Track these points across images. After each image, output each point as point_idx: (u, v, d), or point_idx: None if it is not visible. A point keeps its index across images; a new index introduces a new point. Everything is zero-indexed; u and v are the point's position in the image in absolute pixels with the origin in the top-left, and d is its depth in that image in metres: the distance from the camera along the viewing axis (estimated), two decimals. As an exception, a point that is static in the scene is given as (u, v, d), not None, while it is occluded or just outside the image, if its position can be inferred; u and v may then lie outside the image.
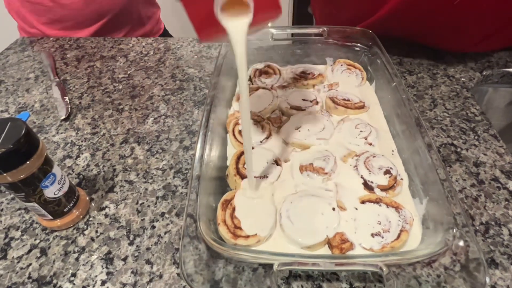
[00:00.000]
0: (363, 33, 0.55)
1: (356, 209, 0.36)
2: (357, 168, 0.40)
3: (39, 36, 0.77)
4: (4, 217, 0.40)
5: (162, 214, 0.40)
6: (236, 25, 0.28)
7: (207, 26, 0.29)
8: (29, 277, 0.35)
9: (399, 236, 0.33)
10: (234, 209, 0.36)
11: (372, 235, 0.34)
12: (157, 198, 0.42)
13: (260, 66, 0.55)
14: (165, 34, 0.95)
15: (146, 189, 0.43)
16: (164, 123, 0.52)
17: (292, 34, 0.65)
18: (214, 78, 0.47)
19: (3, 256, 0.37)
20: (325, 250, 0.34)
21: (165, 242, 0.37)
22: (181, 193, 0.42)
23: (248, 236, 0.34)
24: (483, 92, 0.61)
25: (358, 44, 0.55)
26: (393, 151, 0.43)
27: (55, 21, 0.76)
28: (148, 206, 0.41)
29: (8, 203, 0.42)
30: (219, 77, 0.48)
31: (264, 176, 0.39)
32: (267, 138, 0.44)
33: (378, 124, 0.46)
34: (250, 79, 0.54)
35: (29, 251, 0.37)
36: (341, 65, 0.55)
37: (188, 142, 0.48)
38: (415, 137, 0.39)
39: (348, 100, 0.49)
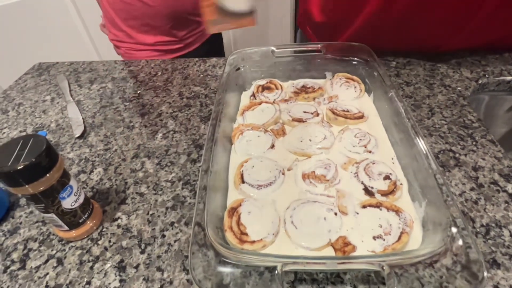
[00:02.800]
0: (360, 48, 0.57)
1: (357, 213, 0.37)
2: (357, 175, 0.42)
3: (126, 39, 0.86)
4: (23, 230, 0.43)
5: (172, 224, 0.42)
6: None
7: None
8: (46, 286, 0.37)
9: (399, 238, 0.34)
10: (239, 216, 0.38)
11: (374, 237, 0.35)
12: (167, 208, 0.43)
13: (262, 82, 0.58)
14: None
15: (156, 200, 0.45)
16: (172, 138, 0.54)
17: (294, 51, 0.68)
18: (218, 94, 0.50)
19: (22, 266, 0.39)
20: (328, 254, 0.35)
21: (175, 250, 0.39)
22: (189, 203, 0.44)
23: (254, 241, 0.35)
24: (480, 101, 0.62)
25: (355, 58, 0.57)
26: (392, 158, 0.44)
27: (136, 18, 0.82)
28: (158, 216, 0.43)
29: (26, 217, 0.44)
30: (223, 93, 0.50)
31: (268, 184, 0.41)
32: (271, 147, 0.46)
33: (377, 133, 0.48)
34: (253, 95, 0.57)
35: (46, 261, 0.39)
36: (340, 79, 0.57)
37: (195, 155, 0.51)
38: (413, 144, 0.41)
39: (348, 111, 0.51)
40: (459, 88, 0.59)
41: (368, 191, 0.40)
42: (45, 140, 0.34)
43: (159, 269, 0.37)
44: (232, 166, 0.45)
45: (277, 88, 0.57)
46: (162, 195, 0.45)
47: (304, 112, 0.52)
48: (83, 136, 0.57)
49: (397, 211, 0.37)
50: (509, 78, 0.60)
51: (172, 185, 0.46)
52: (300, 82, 0.58)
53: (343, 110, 0.51)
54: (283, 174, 0.43)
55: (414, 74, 0.63)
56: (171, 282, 0.36)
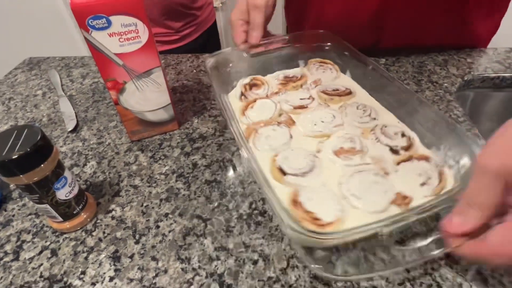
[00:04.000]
0: (325, 34, 0.60)
1: (397, 171, 0.40)
2: (379, 140, 0.44)
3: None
4: (16, 222, 0.43)
5: (166, 215, 0.42)
6: None
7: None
8: (40, 276, 0.37)
9: (440, 177, 0.38)
10: (303, 205, 0.37)
11: (421, 185, 0.38)
12: (161, 200, 0.44)
13: (247, 80, 0.58)
14: (215, 23, 1.03)
15: (150, 193, 0.45)
16: (166, 132, 0.55)
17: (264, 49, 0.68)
18: (221, 98, 0.49)
19: (15, 258, 0.39)
20: (394, 211, 0.36)
21: (169, 240, 0.39)
22: (183, 195, 0.44)
23: (331, 223, 0.35)
24: (466, 97, 0.65)
25: (323, 44, 0.60)
26: (397, 120, 0.48)
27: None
28: (153, 207, 0.43)
29: (19, 209, 0.44)
30: (222, 97, 0.50)
31: (311, 169, 0.41)
32: (290, 138, 0.46)
33: (370, 103, 0.51)
34: (242, 94, 0.56)
35: (40, 252, 0.39)
36: (314, 64, 0.59)
37: (189, 149, 0.51)
38: (408, 99, 0.46)
39: (337, 90, 0.53)
40: (445, 84, 0.60)
41: (393, 151, 0.43)
42: (39, 130, 0.34)
43: (153, 258, 0.37)
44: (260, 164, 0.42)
45: (263, 84, 0.58)
46: (156, 187, 0.46)
47: (301, 99, 0.53)
48: (75, 130, 0.57)
49: (426, 159, 0.40)
50: (493, 75, 0.62)
51: (166, 178, 0.47)
52: (279, 74, 0.59)
53: (333, 90, 0.53)
54: (316, 157, 0.43)
55: (403, 70, 0.65)
56: (165, 271, 0.36)
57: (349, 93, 0.53)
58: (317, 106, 0.51)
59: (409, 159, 0.41)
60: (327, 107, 0.51)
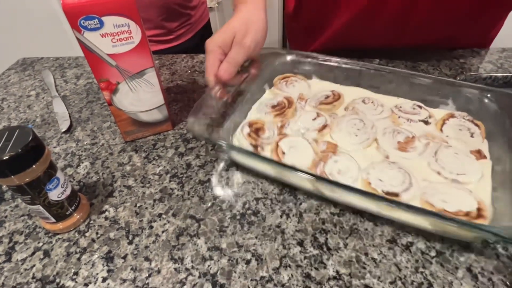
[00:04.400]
0: (274, 54, 0.58)
1: (448, 136, 0.46)
2: (409, 120, 0.48)
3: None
4: (8, 223, 0.42)
5: (160, 215, 0.42)
6: None
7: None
8: (33, 277, 0.37)
9: (475, 123, 0.47)
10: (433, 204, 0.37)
11: (471, 135, 0.45)
12: (154, 200, 0.44)
13: (247, 129, 0.48)
14: (209, 23, 1.04)
15: (144, 193, 0.45)
16: (160, 132, 0.55)
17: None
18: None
19: (7, 259, 0.39)
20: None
21: (163, 240, 0.39)
22: (177, 195, 0.44)
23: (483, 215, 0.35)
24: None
25: (267, 62, 0.57)
26: (396, 97, 0.53)
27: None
28: (146, 208, 0.43)
29: (11, 210, 0.44)
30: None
31: (408, 182, 0.40)
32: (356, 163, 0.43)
33: (363, 94, 0.54)
34: (255, 146, 0.46)
35: (33, 253, 0.39)
36: (280, 83, 0.57)
37: (183, 149, 0.51)
38: (384, 75, 0.52)
39: (328, 96, 0.53)
40: (438, 84, 0.61)
41: (426, 122, 0.48)
42: (31, 131, 0.34)
43: (147, 259, 0.37)
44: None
45: (262, 124, 0.49)
46: (149, 188, 0.46)
47: (313, 119, 0.49)
48: (69, 130, 0.57)
49: (452, 116, 0.48)
50: (485, 74, 0.63)
51: (159, 178, 0.47)
52: (260, 106, 0.53)
53: (326, 97, 0.53)
54: (394, 163, 0.42)
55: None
56: (159, 271, 0.36)
57: (339, 94, 0.53)
58: (332, 119, 0.49)
59: (443, 123, 0.47)
60: (343, 116, 0.50)
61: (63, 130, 0.56)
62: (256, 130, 0.47)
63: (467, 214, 0.35)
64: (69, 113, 0.61)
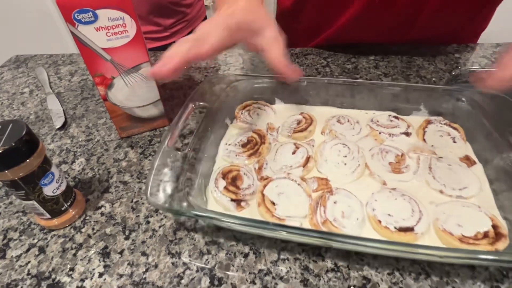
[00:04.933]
0: (222, 79, 0.52)
1: (432, 146, 0.46)
2: (392, 134, 0.47)
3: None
4: (2, 220, 0.42)
5: (156, 210, 0.42)
6: None
7: None
8: (28, 274, 0.36)
9: (452, 125, 0.48)
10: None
11: (453, 141, 0.46)
12: (151, 196, 0.43)
13: (222, 183, 0.41)
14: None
15: (140, 188, 0.45)
16: (156, 128, 0.54)
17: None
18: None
19: (1, 256, 0.38)
20: None
21: (160, 235, 0.39)
22: (174, 190, 0.44)
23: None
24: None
25: (224, 88, 0.52)
26: (365, 111, 0.52)
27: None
28: (143, 203, 0.43)
29: (6, 207, 0.43)
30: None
31: (419, 215, 0.37)
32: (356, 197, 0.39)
33: (331, 111, 0.52)
34: (238, 200, 0.40)
35: (28, 250, 0.38)
36: (242, 114, 0.52)
37: (179, 145, 0.51)
38: (341, 85, 0.51)
39: (300, 121, 0.49)
40: (433, 79, 0.61)
41: (406, 133, 0.47)
42: (25, 125, 0.34)
43: (144, 253, 0.37)
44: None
45: (238, 171, 0.43)
46: (146, 183, 0.45)
47: (293, 153, 0.45)
48: (64, 127, 0.56)
49: (429, 122, 0.48)
50: (480, 69, 0.63)
51: (156, 174, 0.46)
52: (228, 148, 0.47)
53: (297, 124, 0.49)
54: (395, 189, 0.39)
55: (392, 66, 0.66)
56: (156, 266, 0.36)
57: (310, 117, 0.50)
58: (312, 148, 0.46)
59: (423, 133, 0.46)
60: (323, 143, 0.46)
61: (58, 126, 0.56)
62: (233, 180, 0.41)
63: (485, 235, 0.33)
64: (63, 110, 0.60)
